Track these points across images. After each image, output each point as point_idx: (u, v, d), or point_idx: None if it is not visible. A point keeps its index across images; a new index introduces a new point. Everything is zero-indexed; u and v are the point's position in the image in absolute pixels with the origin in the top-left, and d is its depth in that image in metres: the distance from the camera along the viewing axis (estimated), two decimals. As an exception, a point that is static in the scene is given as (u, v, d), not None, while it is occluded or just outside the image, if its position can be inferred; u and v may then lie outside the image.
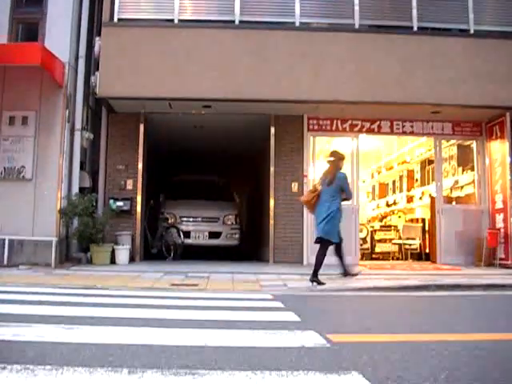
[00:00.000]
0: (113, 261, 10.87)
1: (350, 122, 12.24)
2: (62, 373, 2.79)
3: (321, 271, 8.19)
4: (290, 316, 5.03)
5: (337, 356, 3.39)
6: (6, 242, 10.20)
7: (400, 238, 14.36)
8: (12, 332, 3.84)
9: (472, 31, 11.53)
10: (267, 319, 4.86)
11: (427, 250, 13.76)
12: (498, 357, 3.54)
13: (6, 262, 10.10)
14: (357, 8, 11.39)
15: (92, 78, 11.21)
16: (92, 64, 11.61)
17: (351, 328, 4.56)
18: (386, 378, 2.83)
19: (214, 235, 13.23)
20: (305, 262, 11.64)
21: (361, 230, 13.55)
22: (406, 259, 13.87)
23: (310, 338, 3.89)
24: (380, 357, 3.39)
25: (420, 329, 4.58)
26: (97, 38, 11.16)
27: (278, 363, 3.12)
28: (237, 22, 11.21)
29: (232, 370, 2.94)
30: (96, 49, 11.15)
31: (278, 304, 5.97)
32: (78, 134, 11.06)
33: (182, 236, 12.50)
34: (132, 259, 11.35)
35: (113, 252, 10.95)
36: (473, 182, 13.04)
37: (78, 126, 11.07)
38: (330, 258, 11.45)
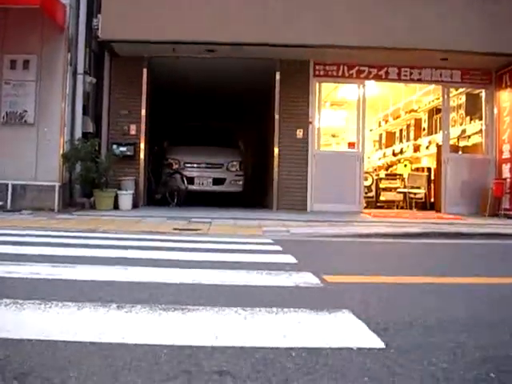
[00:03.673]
0: (116, 206, 10.85)
1: (356, 67, 11.98)
2: (51, 307, 2.78)
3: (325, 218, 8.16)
4: (288, 258, 5.02)
5: (329, 295, 3.38)
6: (9, 187, 10.18)
7: (405, 187, 14.29)
8: (6, 270, 3.84)
9: (485, -27, 11.17)
10: (264, 261, 4.84)
11: (432, 200, 13.71)
12: (491, 298, 3.52)
13: (9, 206, 10.10)
14: (365, -51, 11.02)
15: (94, 21, 10.97)
16: (94, 6, 11.32)
17: (348, 270, 4.54)
18: (376, 317, 2.80)
19: (217, 181, 13.17)
20: (308, 209, 11.62)
21: (366, 179, 13.47)
22: (411, 208, 13.82)
23: (305, 279, 3.87)
24: (373, 297, 3.37)
25: (417, 272, 4.55)
26: (99, -21, 10.89)
27: (269, 301, 3.11)
28: (242, -37, 10.90)
29: (222, 306, 2.92)
30: (98, -10, 10.90)
31: (278, 248, 5.96)
32: (80, 78, 10.89)
33: (185, 182, 12.46)
34: (135, 205, 11.33)
35: (116, 197, 10.94)
36: (480, 131, 12.87)
37: (81, 69, 10.89)
38: (338, 205, 11.53)
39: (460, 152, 13.42)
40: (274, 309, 2.89)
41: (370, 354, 2.20)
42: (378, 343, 2.35)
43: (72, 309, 2.76)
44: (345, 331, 2.56)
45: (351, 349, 2.25)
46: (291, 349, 2.22)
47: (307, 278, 3.89)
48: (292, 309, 2.91)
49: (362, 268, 4.74)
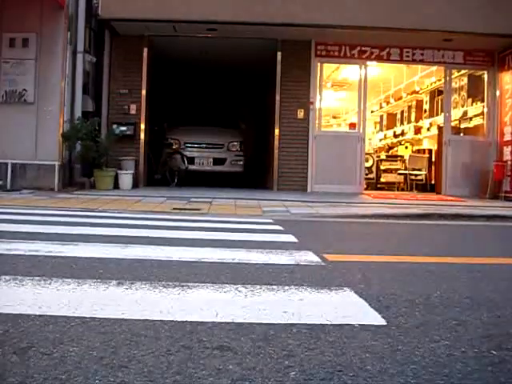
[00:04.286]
0: (116, 186, 10.83)
1: (358, 48, 11.89)
2: (50, 283, 2.77)
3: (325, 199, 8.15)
4: (289, 238, 5.01)
5: (331, 273, 3.36)
6: (9, 167, 10.15)
7: (406, 169, 14.26)
8: (6, 247, 3.83)
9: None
10: (265, 240, 4.84)
11: (433, 182, 13.69)
12: (492, 278, 3.51)
13: (8, 186, 10.07)
14: None
15: (94, -1, 10.90)
16: (94, -17, 11.23)
17: (349, 250, 4.53)
18: (377, 295, 2.79)
19: (218, 162, 13.11)
20: (309, 190, 11.60)
21: (366, 160, 13.44)
22: (411, 190, 13.80)
23: (306, 257, 3.86)
24: (374, 275, 3.35)
25: (418, 252, 4.54)
26: (99, -44, 10.76)
27: (270, 278, 3.10)
28: None
29: (222, 283, 2.91)
30: (98, -33, 10.78)
31: (278, 227, 5.94)
32: (80, 57, 10.79)
33: (185, 162, 12.41)
34: (135, 185, 11.32)
35: (116, 177, 10.91)
36: (482, 113, 12.81)
37: (81, 48, 10.80)
38: (338, 186, 11.50)
39: (461, 134, 13.39)
40: (275, 286, 2.87)
41: (371, 331, 2.19)
42: (380, 321, 2.34)
43: (72, 285, 2.74)
44: (346, 309, 2.55)
45: (352, 326, 2.24)
46: (292, 325, 2.21)
47: (308, 257, 3.87)
48: (293, 286, 2.89)
49: (363, 248, 4.73)
